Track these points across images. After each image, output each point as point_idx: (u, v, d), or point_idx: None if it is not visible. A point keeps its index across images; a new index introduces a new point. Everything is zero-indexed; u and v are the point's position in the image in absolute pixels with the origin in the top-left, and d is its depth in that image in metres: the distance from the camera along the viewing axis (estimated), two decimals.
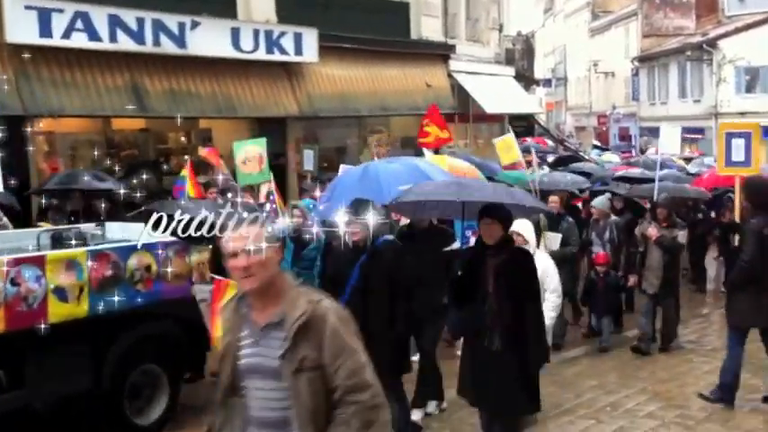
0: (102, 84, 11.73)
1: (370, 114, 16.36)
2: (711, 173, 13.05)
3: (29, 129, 11.39)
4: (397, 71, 16.67)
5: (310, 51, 14.13)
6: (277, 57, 13.76)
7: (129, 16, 11.65)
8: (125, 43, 11.69)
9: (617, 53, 41.49)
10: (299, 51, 13.99)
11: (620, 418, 6.60)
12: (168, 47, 12.17)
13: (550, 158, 18.40)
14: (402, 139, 17.04)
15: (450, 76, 18.24)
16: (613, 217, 9.56)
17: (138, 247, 6.00)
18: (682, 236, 8.59)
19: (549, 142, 24.69)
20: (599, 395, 7.17)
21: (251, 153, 9.17)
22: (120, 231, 7.07)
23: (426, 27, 17.94)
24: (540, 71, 44.74)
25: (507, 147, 10.94)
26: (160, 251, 6.15)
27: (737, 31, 31.07)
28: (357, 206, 5.54)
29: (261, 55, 13.51)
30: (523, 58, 25.51)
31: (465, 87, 18.46)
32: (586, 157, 20.16)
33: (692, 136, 30.85)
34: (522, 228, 6.40)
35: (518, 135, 21.70)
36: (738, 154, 7.66)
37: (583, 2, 47.21)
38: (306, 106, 14.55)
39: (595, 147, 29.23)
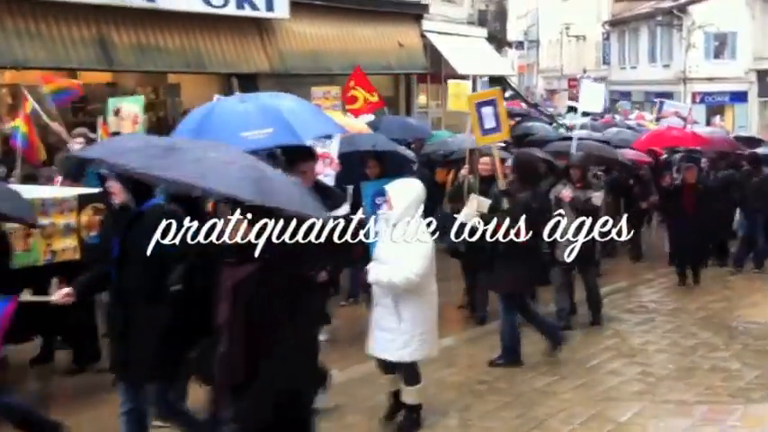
0: (69, 36, 11.46)
1: (341, 72, 16.12)
2: (649, 135, 12.66)
3: None
4: (369, 30, 16.50)
5: (282, 7, 13.91)
6: (248, 12, 13.52)
7: None
8: None
9: (589, 17, 41.49)
10: (270, 7, 13.77)
11: (583, 374, 6.69)
12: (137, 0, 11.90)
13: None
14: None
15: (422, 36, 18.12)
16: None
17: None
18: (597, 197, 8.01)
19: (524, 105, 24.73)
20: (563, 352, 7.10)
21: (126, 111, 8.50)
22: None
23: None
24: (512, 33, 44.60)
25: (458, 93, 9.91)
26: None
27: None
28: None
29: (231, 10, 13.26)
30: (496, 19, 25.47)
31: (437, 47, 18.35)
32: (561, 121, 20.15)
33: (661, 100, 31.10)
34: (395, 188, 5.16)
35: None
36: (490, 122, 7.64)
37: None
38: (277, 63, 14.37)
39: (571, 109, 28.89)
